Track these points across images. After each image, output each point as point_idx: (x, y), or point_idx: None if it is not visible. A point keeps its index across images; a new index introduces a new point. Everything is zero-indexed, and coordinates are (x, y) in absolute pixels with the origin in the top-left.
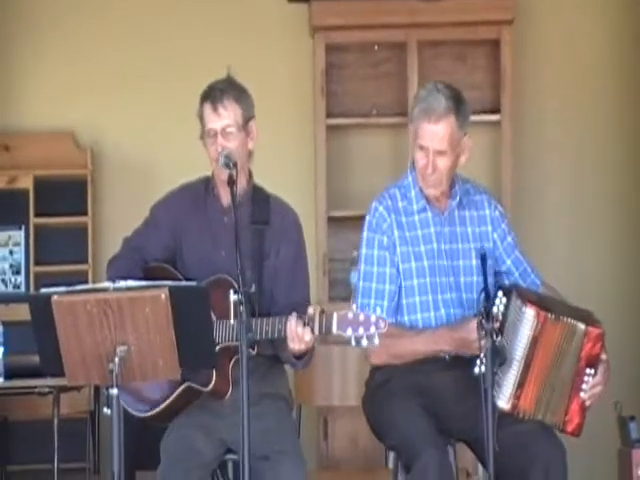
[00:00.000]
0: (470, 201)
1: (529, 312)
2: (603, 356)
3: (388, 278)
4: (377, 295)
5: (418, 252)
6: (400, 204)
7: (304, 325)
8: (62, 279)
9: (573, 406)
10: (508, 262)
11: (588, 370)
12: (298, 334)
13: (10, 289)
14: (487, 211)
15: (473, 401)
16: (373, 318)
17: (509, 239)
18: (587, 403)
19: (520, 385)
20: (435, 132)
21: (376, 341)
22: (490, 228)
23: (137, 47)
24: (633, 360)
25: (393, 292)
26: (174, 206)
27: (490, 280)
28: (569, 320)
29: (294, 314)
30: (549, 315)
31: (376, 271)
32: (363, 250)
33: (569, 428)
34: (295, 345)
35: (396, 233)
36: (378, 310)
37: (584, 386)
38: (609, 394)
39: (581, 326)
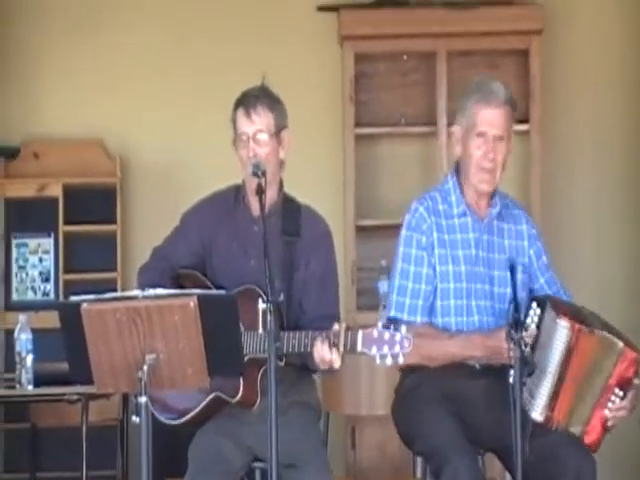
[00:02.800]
0: (509, 214)
1: (563, 324)
2: (636, 381)
3: (425, 278)
4: (413, 294)
5: (456, 256)
6: (440, 207)
7: (330, 346)
8: (91, 287)
9: (594, 419)
10: (542, 280)
11: (617, 390)
12: (326, 360)
13: (39, 297)
14: (524, 226)
15: (503, 410)
16: (398, 337)
17: (544, 258)
18: (609, 423)
19: (554, 397)
20: (496, 117)
21: (400, 360)
22: (527, 243)
23: (167, 55)
24: None
25: (429, 292)
26: (205, 214)
27: (523, 295)
28: (606, 334)
29: (322, 334)
30: (583, 327)
31: (413, 270)
32: (401, 248)
33: (587, 439)
34: (324, 366)
35: (435, 235)
36: (403, 330)
37: (610, 404)
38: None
39: (619, 344)
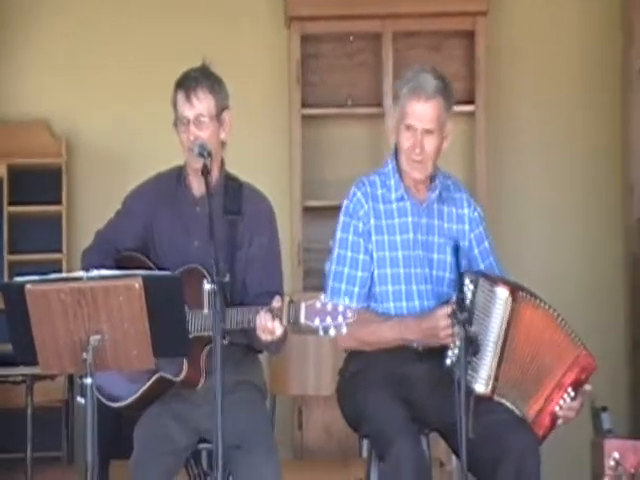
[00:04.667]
0: (450, 197)
1: (501, 292)
2: (587, 387)
3: (361, 264)
4: (349, 280)
5: (393, 241)
6: (379, 191)
7: (273, 318)
8: (36, 268)
9: (544, 413)
10: (482, 266)
11: (570, 390)
12: (268, 328)
13: None
14: (466, 210)
15: (447, 391)
16: (341, 307)
17: (486, 244)
18: (559, 421)
19: (498, 366)
20: (424, 111)
21: (344, 330)
22: (467, 227)
23: (111, 37)
24: (606, 353)
25: (365, 279)
26: (146, 196)
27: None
28: (566, 327)
29: (264, 307)
30: (522, 293)
31: (350, 256)
32: (338, 234)
33: (534, 429)
34: (267, 337)
35: (372, 221)
36: (346, 300)
37: (561, 402)
38: None
39: (580, 346)
